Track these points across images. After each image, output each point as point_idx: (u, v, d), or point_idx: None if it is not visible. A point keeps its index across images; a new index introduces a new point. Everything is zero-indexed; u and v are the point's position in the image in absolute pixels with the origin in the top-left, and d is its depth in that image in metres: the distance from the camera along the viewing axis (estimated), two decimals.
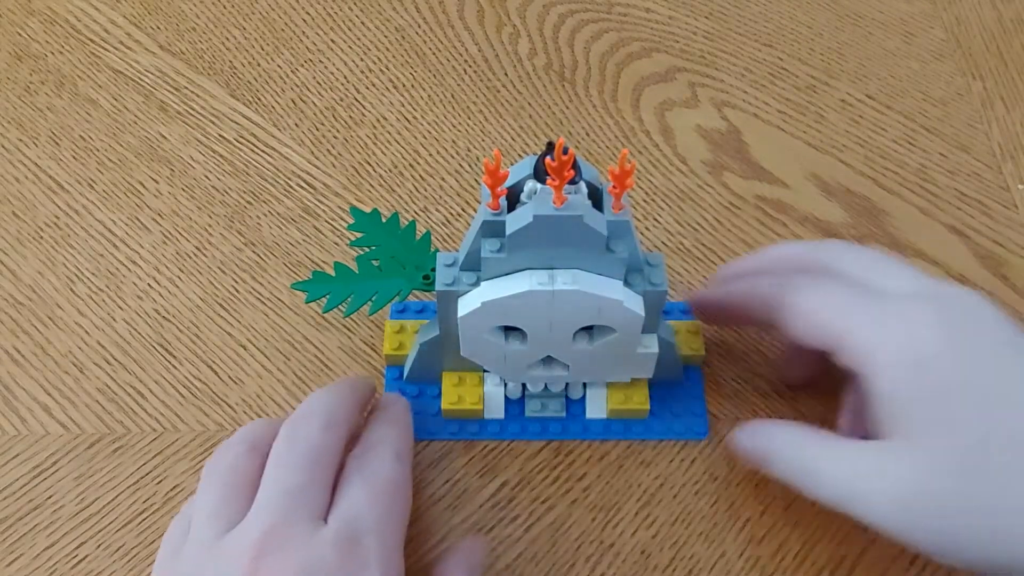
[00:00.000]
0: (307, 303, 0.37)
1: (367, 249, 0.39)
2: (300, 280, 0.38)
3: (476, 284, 0.33)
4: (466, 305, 0.33)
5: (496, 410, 0.39)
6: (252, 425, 0.34)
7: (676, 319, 0.41)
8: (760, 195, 0.46)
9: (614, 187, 0.32)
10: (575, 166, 0.31)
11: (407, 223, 0.39)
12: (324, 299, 0.37)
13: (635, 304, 0.33)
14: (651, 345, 0.36)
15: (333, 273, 0.38)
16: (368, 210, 0.45)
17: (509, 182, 0.32)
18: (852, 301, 0.33)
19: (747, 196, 0.46)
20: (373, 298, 0.37)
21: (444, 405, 0.38)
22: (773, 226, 0.45)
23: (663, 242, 0.44)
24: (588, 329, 0.35)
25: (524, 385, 0.39)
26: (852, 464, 0.31)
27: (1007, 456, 0.29)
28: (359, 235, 0.39)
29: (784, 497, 0.37)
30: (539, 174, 0.32)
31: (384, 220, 0.39)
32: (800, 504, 0.37)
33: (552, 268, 0.33)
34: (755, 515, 0.37)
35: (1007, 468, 0.29)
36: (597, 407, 0.39)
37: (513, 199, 0.33)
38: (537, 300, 0.33)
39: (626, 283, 0.34)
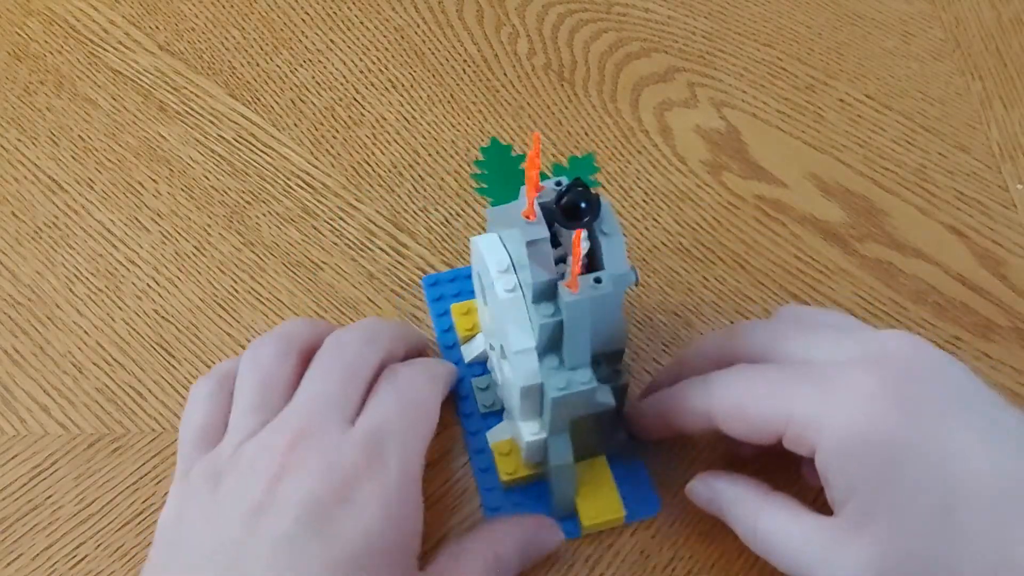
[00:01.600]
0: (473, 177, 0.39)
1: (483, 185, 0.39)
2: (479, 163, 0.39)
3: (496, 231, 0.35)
4: (479, 238, 0.34)
5: (469, 352, 0.39)
6: (294, 323, 0.37)
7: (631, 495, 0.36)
8: (759, 195, 0.46)
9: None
10: (594, 211, 0.30)
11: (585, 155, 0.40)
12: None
13: (523, 366, 0.32)
14: (526, 434, 0.34)
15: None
16: (369, 210, 0.45)
17: (542, 198, 0.32)
18: (784, 384, 0.31)
19: (746, 196, 0.46)
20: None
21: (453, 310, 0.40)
22: (772, 226, 0.45)
23: (662, 242, 0.45)
24: None
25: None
26: (804, 541, 0.30)
27: (948, 530, 0.28)
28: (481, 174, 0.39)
29: None
30: (560, 218, 0.31)
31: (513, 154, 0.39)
32: None
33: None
34: None
35: (948, 543, 0.28)
36: (499, 433, 0.37)
37: (547, 214, 0.31)
38: (488, 280, 0.33)
39: (552, 355, 0.32)
